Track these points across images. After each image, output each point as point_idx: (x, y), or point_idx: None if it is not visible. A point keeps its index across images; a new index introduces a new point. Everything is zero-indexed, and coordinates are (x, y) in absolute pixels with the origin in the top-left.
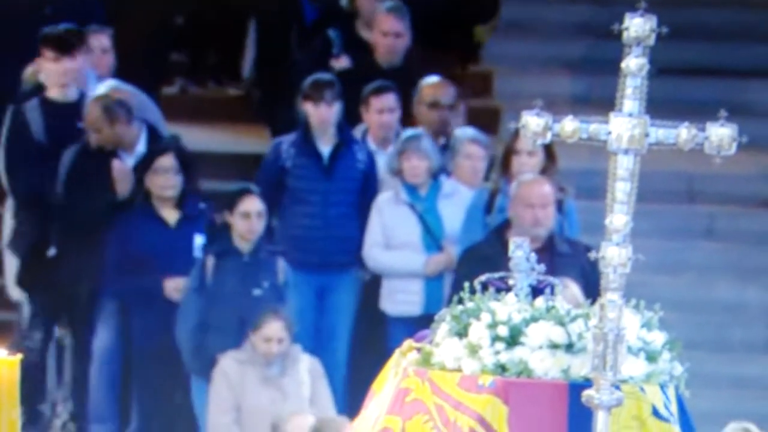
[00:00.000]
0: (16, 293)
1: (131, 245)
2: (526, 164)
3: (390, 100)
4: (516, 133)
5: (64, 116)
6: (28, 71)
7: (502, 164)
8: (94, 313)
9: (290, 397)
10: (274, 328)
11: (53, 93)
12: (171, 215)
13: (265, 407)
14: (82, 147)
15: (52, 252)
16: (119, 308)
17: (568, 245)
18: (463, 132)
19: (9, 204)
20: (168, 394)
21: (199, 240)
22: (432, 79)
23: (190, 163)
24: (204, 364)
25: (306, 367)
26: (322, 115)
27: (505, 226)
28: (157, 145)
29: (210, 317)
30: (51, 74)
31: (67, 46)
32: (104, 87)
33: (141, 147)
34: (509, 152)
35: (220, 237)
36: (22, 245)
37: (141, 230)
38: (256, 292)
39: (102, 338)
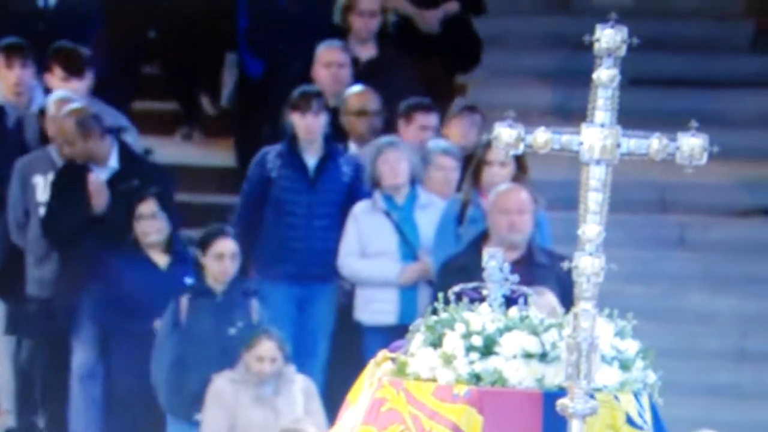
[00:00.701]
0: None
1: (122, 288)
2: (498, 175)
3: (435, 119)
4: (487, 144)
5: None
6: None
7: (473, 175)
8: (71, 331)
9: (283, 416)
10: (266, 348)
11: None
12: (161, 259)
13: (258, 426)
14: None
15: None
16: (99, 331)
17: (546, 256)
18: (435, 144)
19: None
20: None
21: (189, 282)
22: (357, 88)
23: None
24: (179, 403)
25: (300, 387)
26: (308, 126)
27: (483, 237)
28: (138, 192)
29: (185, 356)
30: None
31: (77, 66)
32: (55, 98)
33: (113, 162)
34: (480, 163)
35: (193, 276)
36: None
37: (132, 274)
38: (231, 331)
39: (81, 362)
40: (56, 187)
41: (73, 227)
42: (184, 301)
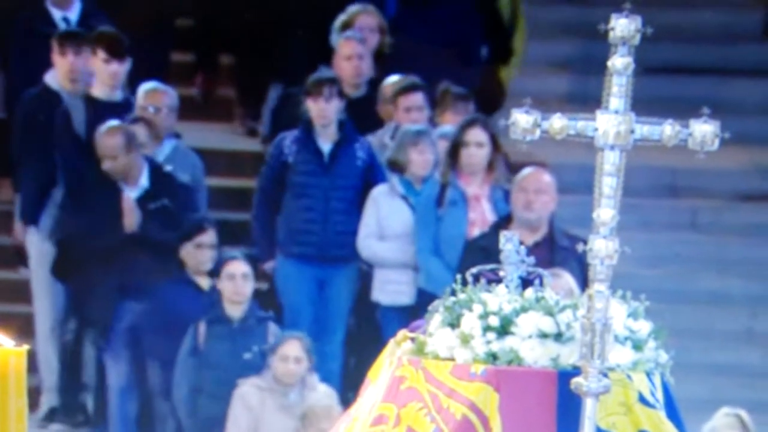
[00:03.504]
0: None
1: (168, 312)
2: (475, 155)
3: (418, 98)
4: (464, 126)
5: (108, 115)
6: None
7: (451, 156)
8: (105, 348)
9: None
10: (290, 347)
11: (98, 91)
12: (204, 281)
13: None
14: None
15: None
16: (131, 342)
17: (568, 239)
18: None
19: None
20: None
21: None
22: (393, 78)
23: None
24: (197, 426)
25: (323, 394)
26: (321, 111)
27: (507, 219)
28: (195, 221)
29: (202, 381)
30: (100, 74)
31: (119, 50)
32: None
33: (144, 180)
34: (458, 144)
35: (211, 304)
36: (59, 234)
37: (177, 297)
38: (246, 356)
39: (115, 376)
40: (90, 205)
41: (107, 245)
42: (202, 327)
